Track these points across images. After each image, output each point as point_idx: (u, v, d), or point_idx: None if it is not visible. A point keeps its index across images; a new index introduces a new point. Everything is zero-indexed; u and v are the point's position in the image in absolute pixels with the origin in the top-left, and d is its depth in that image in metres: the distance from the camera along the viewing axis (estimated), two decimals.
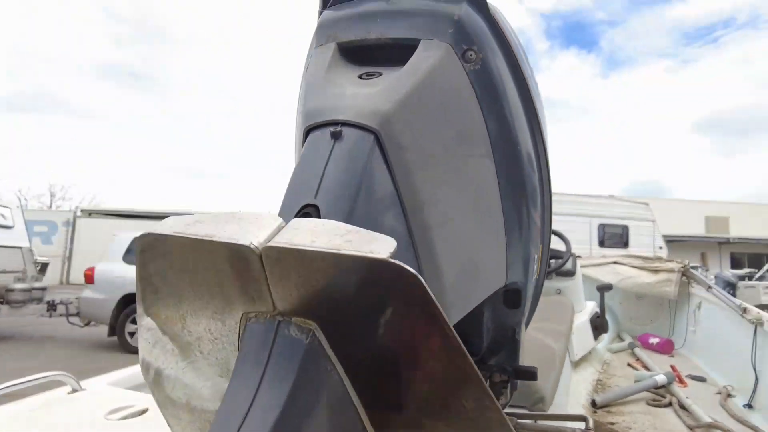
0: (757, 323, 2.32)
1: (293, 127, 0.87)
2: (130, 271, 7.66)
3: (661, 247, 14.14)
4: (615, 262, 4.21)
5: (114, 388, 1.47)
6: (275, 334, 0.50)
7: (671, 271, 3.66)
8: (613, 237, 13.87)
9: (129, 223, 17.46)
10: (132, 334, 7.30)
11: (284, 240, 0.46)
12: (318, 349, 0.50)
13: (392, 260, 0.42)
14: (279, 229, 0.50)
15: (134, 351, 7.42)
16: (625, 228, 13.93)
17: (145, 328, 0.62)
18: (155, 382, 0.66)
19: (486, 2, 0.72)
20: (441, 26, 0.69)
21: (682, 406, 2.18)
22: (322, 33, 0.76)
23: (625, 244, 13.53)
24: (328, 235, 0.46)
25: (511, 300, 0.93)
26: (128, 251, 7.47)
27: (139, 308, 0.60)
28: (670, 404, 2.23)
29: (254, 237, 0.47)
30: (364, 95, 0.64)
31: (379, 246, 0.43)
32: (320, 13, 0.80)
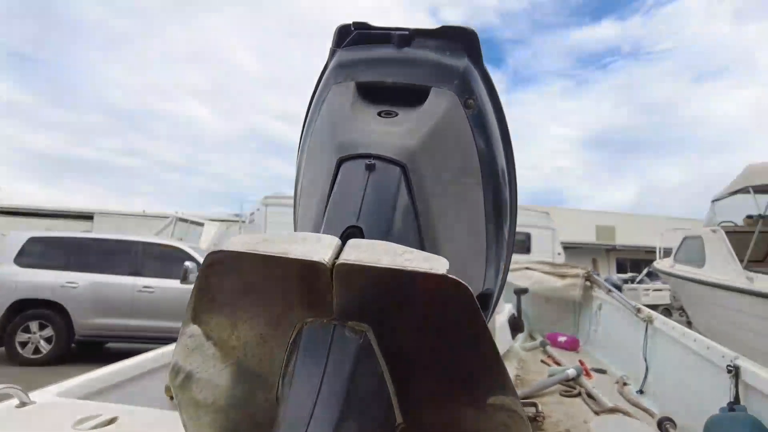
0: (648, 321, 2.71)
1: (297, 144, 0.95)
2: (22, 275, 6.99)
3: (559, 253, 15.35)
4: (527, 268, 4.61)
5: (68, 400, 1.41)
6: (332, 335, 0.60)
7: (576, 276, 4.09)
8: (518, 243, 14.77)
9: (18, 221, 15.78)
10: (24, 344, 6.65)
11: (353, 258, 0.56)
12: (368, 348, 0.60)
13: (450, 275, 0.53)
14: (339, 247, 0.59)
15: (25, 363, 6.74)
16: (528, 235, 14.92)
17: (188, 335, 0.68)
18: (182, 385, 0.71)
19: (481, 57, 0.86)
20: (448, 77, 0.81)
21: (589, 395, 2.48)
22: (341, 72, 0.86)
23: (528, 250, 14.47)
24: (389, 255, 0.56)
25: (483, 303, 1.08)
26: (21, 253, 6.79)
27: (188, 315, 0.66)
28: (579, 394, 2.53)
29: (323, 255, 0.57)
30: (391, 133, 0.75)
31: (435, 264, 0.55)
32: (333, 51, 0.89)
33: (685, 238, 6.59)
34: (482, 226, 0.90)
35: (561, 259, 15.03)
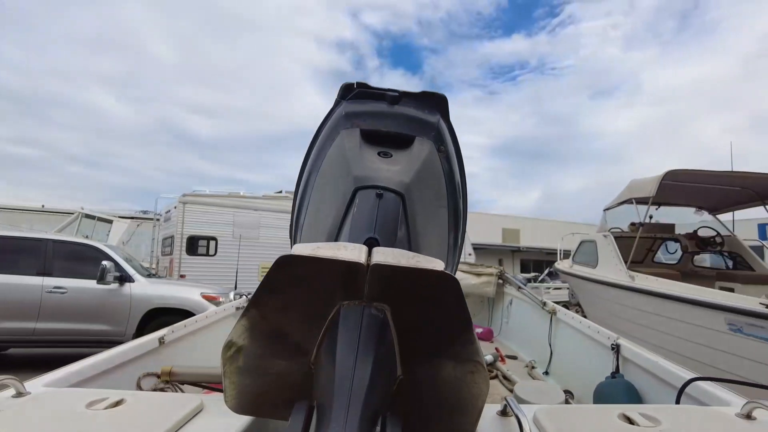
0: (552, 313, 3.21)
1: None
2: None
3: (470, 254, 16.36)
4: None
5: (63, 389, 1.47)
6: (362, 313, 0.86)
7: (491, 275, 4.61)
8: None
9: None
10: None
11: (382, 260, 0.83)
12: (386, 320, 0.87)
13: (446, 271, 0.82)
14: (368, 252, 0.86)
15: None
16: None
17: (247, 317, 0.91)
18: (232, 357, 0.94)
19: (448, 115, 1.17)
20: (427, 130, 1.11)
21: (505, 377, 2.91)
22: (348, 120, 1.12)
23: None
24: (405, 258, 0.84)
25: None
26: None
27: (249, 303, 0.89)
28: (497, 376, 2.95)
29: (361, 257, 0.83)
30: (392, 171, 1.03)
31: (437, 264, 0.84)
32: (338, 101, 1.15)
33: (581, 242, 7.46)
34: (446, 236, 1.21)
35: (472, 259, 16.02)
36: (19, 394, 1.33)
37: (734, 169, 5.82)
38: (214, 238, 10.92)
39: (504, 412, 1.22)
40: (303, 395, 0.94)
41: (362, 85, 1.14)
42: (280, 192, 13.84)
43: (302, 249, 0.84)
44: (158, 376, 1.93)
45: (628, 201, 6.53)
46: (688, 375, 1.57)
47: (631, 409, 1.19)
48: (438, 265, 0.83)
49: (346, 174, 1.06)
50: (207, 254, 10.85)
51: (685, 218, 7.45)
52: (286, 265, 0.84)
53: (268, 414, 1.09)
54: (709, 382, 1.47)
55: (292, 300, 0.89)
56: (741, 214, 7.42)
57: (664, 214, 7.20)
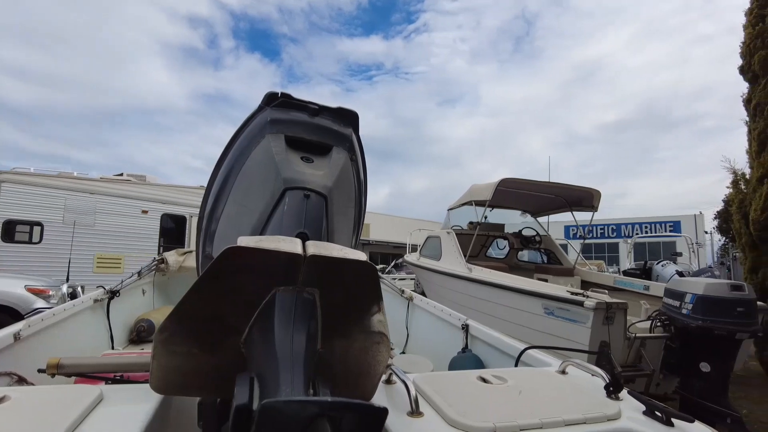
0: (410, 299, 3.61)
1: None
2: None
3: None
4: None
5: None
6: (297, 296, 1.02)
7: None
8: None
9: None
10: None
11: (317, 251, 1.00)
12: (315, 302, 1.04)
13: (368, 261, 1.03)
14: (303, 244, 1.02)
15: None
16: None
17: (187, 302, 0.99)
18: (165, 340, 1.03)
19: (359, 130, 1.37)
20: (343, 141, 1.30)
21: None
22: (274, 126, 1.24)
23: None
24: (336, 250, 1.02)
25: None
26: None
27: (191, 289, 0.97)
28: None
29: (298, 248, 0.99)
30: (317, 175, 1.19)
31: (360, 255, 1.03)
32: (261, 107, 1.26)
33: (428, 237, 8.23)
34: (351, 233, 1.41)
35: None
36: None
37: (551, 180, 7.00)
38: (39, 224, 9.51)
39: (389, 381, 1.47)
40: (231, 372, 1.06)
41: (286, 96, 1.28)
42: (121, 175, 12.54)
43: (247, 241, 0.97)
44: (16, 376, 1.79)
45: (469, 203, 7.42)
46: (522, 346, 2.01)
47: (485, 373, 1.53)
48: (361, 256, 1.03)
49: (275, 175, 1.19)
50: (29, 241, 9.42)
51: (512, 220, 8.70)
52: (232, 255, 0.96)
53: (193, 393, 1.18)
54: (537, 350, 1.91)
55: (231, 286, 1.00)
56: (553, 218, 8.90)
57: (496, 216, 8.31)
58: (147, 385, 1.42)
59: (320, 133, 1.28)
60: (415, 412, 1.23)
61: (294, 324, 0.99)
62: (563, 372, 1.61)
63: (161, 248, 11.51)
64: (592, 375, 1.55)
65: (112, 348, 3.08)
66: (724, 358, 3.89)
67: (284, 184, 1.16)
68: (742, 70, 7.98)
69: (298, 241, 1.02)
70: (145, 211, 11.53)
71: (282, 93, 1.28)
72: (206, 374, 1.09)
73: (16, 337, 2.02)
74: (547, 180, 6.86)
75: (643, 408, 1.29)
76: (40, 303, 6.61)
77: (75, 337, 2.58)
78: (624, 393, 1.40)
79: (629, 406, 1.33)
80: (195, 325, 1.03)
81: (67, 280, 8.08)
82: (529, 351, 1.89)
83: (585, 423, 1.19)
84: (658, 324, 4.29)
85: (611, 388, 1.40)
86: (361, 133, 1.39)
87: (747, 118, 7.91)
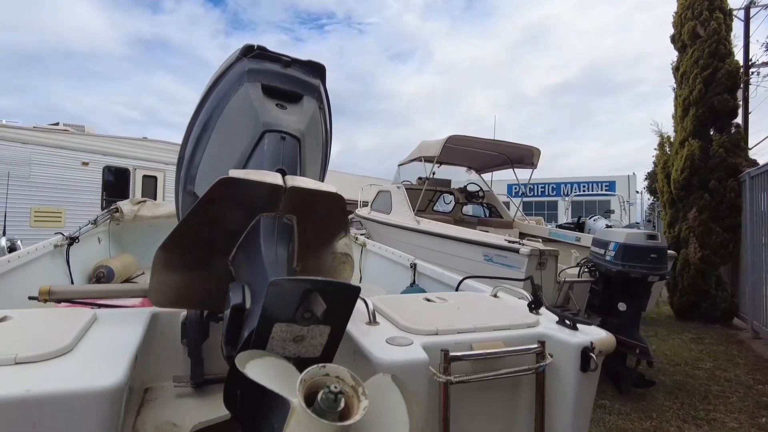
0: (363, 245, 3.88)
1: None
2: None
3: None
4: None
5: None
6: (276, 221, 1.22)
7: None
8: None
9: None
10: None
11: (296, 183, 1.19)
12: (293, 227, 1.25)
13: (337, 192, 1.24)
14: (283, 177, 1.21)
15: None
16: None
17: (186, 223, 1.17)
18: (164, 257, 1.20)
19: (325, 81, 1.54)
20: (312, 91, 1.47)
21: None
22: (251, 75, 1.39)
23: None
24: (311, 183, 1.22)
25: None
26: None
27: (190, 212, 1.14)
28: None
29: (280, 181, 1.18)
30: (291, 120, 1.36)
31: (331, 188, 1.24)
32: (239, 58, 1.40)
33: (378, 192, 8.48)
34: (318, 175, 1.61)
35: None
36: None
37: (497, 138, 7.36)
38: None
39: None
40: (218, 287, 1.25)
41: (261, 48, 1.42)
42: (57, 124, 11.87)
43: (238, 173, 1.15)
44: None
45: (418, 159, 7.68)
46: (461, 277, 2.31)
47: (430, 296, 1.81)
48: (332, 188, 1.24)
49: (254, 119, 1.35)
50: None
51: (458, 176, 9.08)
52: (225, 184, 1.13)
53: (184, 305, 1.37)
54: (473, 279, 2.21)
55: (221, 212, 1.19)
56: (497, 176, 9.34)
57: (443, 173, 8.64)
58: (134, 310, 1.60)
59: (292, 82, 1.45)
60: (372, 322, 1.48)
61: (276, 243, 1.19)
62: (495, 296, 1.92)
63: (104, 201, 11.14)
64: (519, 298, 1.86)
65: None
66: (638, 299, 4.45)
67: (263, 127, 1.33)
68: (673, 39, 8.54)
69: (278, 175, 1.21)
70: (85, 163, 11.04)
71: (258, 46, 1.42)
72: (197, 289, 1.28)
73: None
74: (492, 138, 7.21)
75: (556, 318, 1.61)
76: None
77: (38, 280, 2.66)
78: (543, 309, 1.71)
79: (546, 318, 1.64)
80: (189, 246, 1.21)
81: (4, 233, 7.77)
82: (467, 281, 2.19)
83: (509, 329, 1.49)
84: (585, 270, 4.79)
85: (533, 306, 1.70)
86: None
87: (675, 85, 8.52)
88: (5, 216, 8.40)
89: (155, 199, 11.44)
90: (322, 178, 1.68)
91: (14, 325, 1.25)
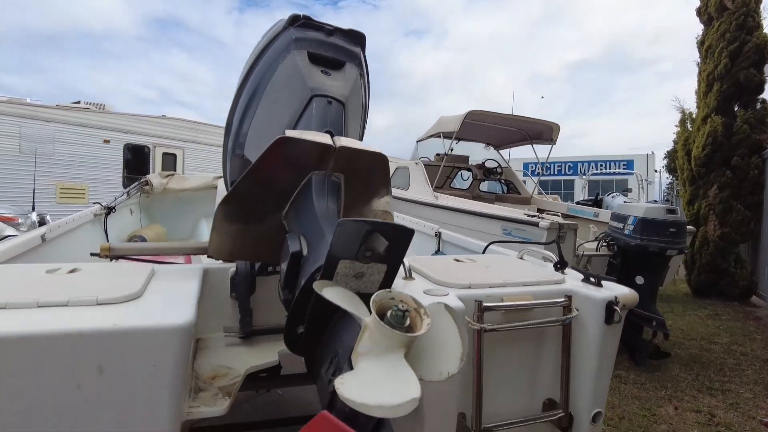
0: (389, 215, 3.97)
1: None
2: None
3: None
4: None
5: (19, 264, 1.53)
6: (327, 179, 1.31)
7: None
8: None
9: None
10: None
11: (345, 144, 1.28)
12: (340, 184, 1.34)
13: (381, 152, 1.33)
14: (332, 138, 1.29)
15: None
16: None
17: (248, 179, 1.24)
18: (225, 214, 1.30)
19: (365, 50, 1.61)
20: (353, 58, 1.54)
21: None
22: (298, 43, 1.47)
23: None
24: (358, 144, 1.31)
25: None
26: None
27: (250, 171, 1.23)
28: None
29: (330, 141, 1.27)
30: (336, 86, 1.44)
31: (374, 148, 1.33)
32: (285, 27, 1.47)
33: (397, 168, 8.53)
34: (359, 138, 1.69)
35: None
36: None
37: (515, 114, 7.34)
38: None
39: None
40: (271, 241, 1.35)
41: (306, 17, 1.49)
42: (78, 103, 12.06)
43: (293, 133, 1.24)
44: None
45: (437, 134, 7.71)
46: (485, 244, 2.40)
47: (459, 257, 1.90)
48: (377, 149, 1.33)
49: (302, 85, 1.43)
50: None
51: (475, 154, 9.09)
52: (282, 143, 1.22)
53: (240, 257, 1.48)
54: (498, 244, 2.29)
55: (277, 170, 1.28)
56: (513, 154, 9.32)
57: (461, 149, 8.66)
58: (187, 265, 1.71)
59: (335, 50, 1.52)
60: (408, 277, 1.58)
61: (327, 198, 1.28)
62: (521, 258, 2.00)
63: (124, 179, 11.36)
64: (544, 259, 1.94)
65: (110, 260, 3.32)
66: (655, 272, 4.50)
67: (311, 92, 1.41)
68: (699, 12, 8.35)
69: (328, 136, 1.29)
70: (106, 141, 11.25)
71: (303, 15, 1.50)
72: (251, 243, 1.38)
73: (43, 238, 2.26)
74: (512, 113, 7.20)
75: (581, 277, 1.69)
76: (9, 230, 6.65)
77: (81, 243, 2.82)
78: (568, 269, 1.79)
79: (572, 276, 1.72)
80: (247, 202, 1.31)
81: (33, 208, 8.01)
82: (492, 246, 2.28)
83: (537, 285, 1.58)
84: (604, 244, 4.84)
85: (558, 266, 1.79)
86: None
87: (699, 60, 8.36)
88: (34, 192, 8.67)
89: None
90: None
91: (86, 276, 1.37)
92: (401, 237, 0.93)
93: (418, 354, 0.82)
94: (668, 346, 4.87)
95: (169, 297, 1.24)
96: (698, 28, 8.46)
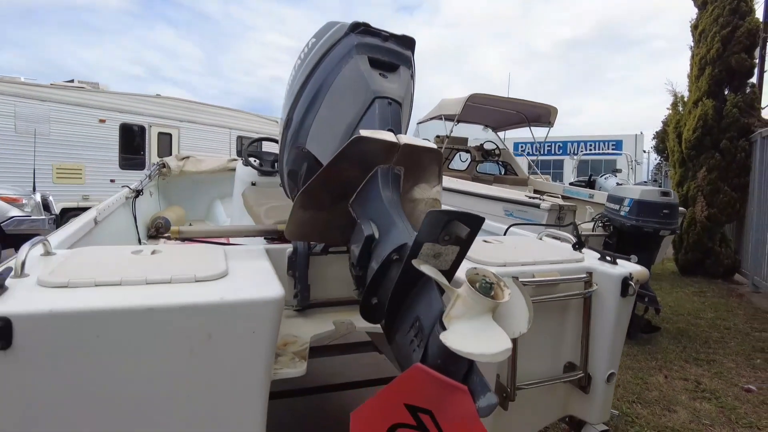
0: None
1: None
2: None
3: None
4: None
5: (85, 248, 1.57)
6: (390, 171, 1.49)
7: None
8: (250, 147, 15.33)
9: None
10: None
11: (408, 141, 1.46)
12: (401, 175, 1.53)
13: (437, 148, 1.52)
14: (396, 135, 1.47)
15: None
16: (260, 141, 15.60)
17: (327, 171, 1.41)
18: (303, 202, 1.47)
19: (414, 51, 1.78)
20: (406, 61, 1.71)
21: None
22: (359, 49, 1.63)
23: None
24: (419, 141, 1.50)
25: None
26: None
27: (329, 165, 1.40)
28: None
29: (395, 139, 1.45)
30: (393, 88, 1.61)
31: (432, 144, 1.52)
32: (346, 33, 1.64)
33: None
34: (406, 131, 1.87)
35: None
36: (47, 254, 1.44)
37: (510, 96, 7.52)
38: None
39: None
40: (339, 225, 1.51)
41: (365, 25, 1.66)
42: (72, 81, 11.93)
43: (367, 132, 1.41)
44: None
45: (438, 117, 7.87)
46: (504, 226, 2.61)
47: (488, 238, 2.11)
48: (433, 145, 1.52)
49: (365, 87, 1.59)
50: None
51: (473, 135, 9.27)
52: (358, 141, 1.37)
53: (313, 238, 1.66)
54: (518, 227, 2.51)
55: (349, 163, 1.43)
56: (504, 135, 9.51)
57: (458, 130, 8.83)
58: (251, 246, 1.87)
59: (391, 55, 1.69)
60: None
61: (390, 188, 1.46)
62: (540, 239, 2.22)
63: (121, 159, 11.35)
64: (561, 240, 2.16)
65: (139, 242, 3.49)
66: (649, 252, 4.77)
67: (374, 94, 1.58)
68: None
69: (392, 134, 1.47)
70: (102, 120, 11.16)
71: (363, 23, 1.66)
72: (322, 226, 1.56)
73: (95, 221, 2.43)
74: (513, 97, 7.38)
75: (598, 256, 1.91)
76: (14, 212, 6.72)
77: (117, 226, 2.99)
78: (585, 249, 2.01)
79: (589, 255, 1.94)
80: (321, 191, 1.47)
81: (34, 190, 8.02)
82: (513, 228, 2.50)
83: (561, 263, 1.80)
84: (600, 225, 5.10)
85: (577, 246, 2.01)
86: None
87: (692, 43, 8.55)
88: (34, 173, 8.66)
89: (170, 155, 11.65)
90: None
91: (169, 256, 1.49)
92: (474, 224, 1.12)
93: (497, 317, 1.02)
94: (658, 320, 5.18)
95: (254, 274, 1.39)
96: (692, 12, 8.63)
